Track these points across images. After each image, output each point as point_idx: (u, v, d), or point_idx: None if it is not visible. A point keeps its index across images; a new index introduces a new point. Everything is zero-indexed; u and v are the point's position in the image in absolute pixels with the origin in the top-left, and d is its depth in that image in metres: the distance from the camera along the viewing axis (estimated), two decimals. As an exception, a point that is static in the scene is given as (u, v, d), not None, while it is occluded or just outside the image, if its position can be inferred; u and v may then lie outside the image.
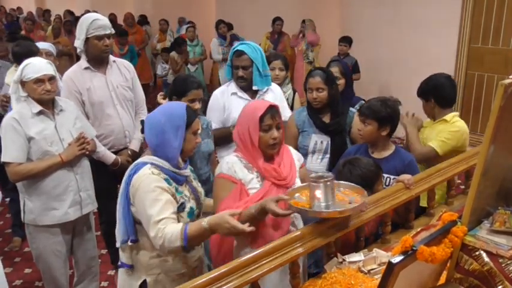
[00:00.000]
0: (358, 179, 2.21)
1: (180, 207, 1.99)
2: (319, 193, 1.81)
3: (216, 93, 3.12)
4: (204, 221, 1.81)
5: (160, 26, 9.37)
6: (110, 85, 3.15)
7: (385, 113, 2.53)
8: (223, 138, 2.97)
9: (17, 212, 4.16)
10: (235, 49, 2.99)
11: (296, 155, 2.22)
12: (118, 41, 7.45)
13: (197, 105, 2.59)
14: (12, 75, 3.47)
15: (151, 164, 1.98)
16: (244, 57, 2.96)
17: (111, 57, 3.23)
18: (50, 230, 2.76)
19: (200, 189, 2.19)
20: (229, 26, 8.27)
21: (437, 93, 2.86)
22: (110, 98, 3.15)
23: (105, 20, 3.08)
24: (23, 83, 2.60)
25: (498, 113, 1.32)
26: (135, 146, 3.32)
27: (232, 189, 1.99)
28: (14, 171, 2.60)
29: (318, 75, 2.83)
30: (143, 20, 10.42)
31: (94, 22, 3.01)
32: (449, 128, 2.80)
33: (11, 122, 2.58)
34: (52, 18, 12.26)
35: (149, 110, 3.54)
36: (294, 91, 3.72)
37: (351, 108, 2.95)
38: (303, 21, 7.25)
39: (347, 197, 1.92)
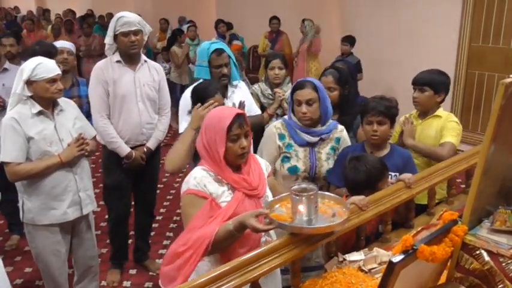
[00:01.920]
0: (362, 176, 2.21)
1: (285, 159, 2.53)
2: (301, 207, 1.71)
3: (187, 94, 3.00)
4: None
5: (161, 26, 9.37)
6: (137, 81, 3.22)
7: (395, 111, 2.56)
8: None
9: (11, 211, 4.16)
10: (215, 49, 2.94)
11: (264, 164, 2.12)
12: None
13: None
14: None
15: (283, 120, 2.59)
16: (224, 55, 2.96)
17: (144, 57, 3.31)
18: (49, 230, 2.76)
19: (324, 163, 2.52)
20: (229, 26, 8.26)
21: (448, 90, 2.91)
22: (133, 93, 3.21)
23: (131, 17, 3.15)
24: (29, 82, 2.58)
25: (499, 112, 1.32)
26: (152, 144, 3.36)
27: (203, 204, 1.85)
28: (12, 171, 2.60)
29: (331, 74, 2.85)
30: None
31: (120, 19, 3.11)
32: (453, 125, 2.84)
33: (10, 122, 2.58)
34: (52, 18, 12.27)
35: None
36: None
37: None
38: (303, 21, 7.24)
39: (330, 209, 1.82)
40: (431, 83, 2.85)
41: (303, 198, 1.70)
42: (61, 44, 3.83)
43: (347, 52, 6.45)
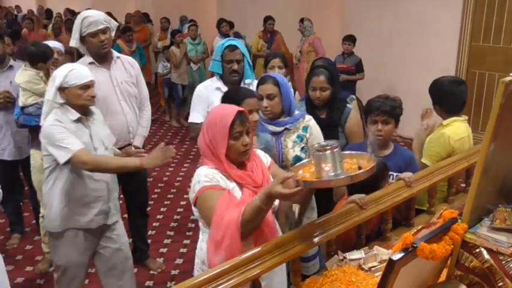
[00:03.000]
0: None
1: None
2: (326, 162, 1.67)
3: (200, 87, 3.13)
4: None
5: (162, 25, 9.36)
6: (114, 80, 3.15)
7: (400, 110, 2.55)
8: None
9: (15, 210, 4.18)
10: (228, 44, 3.01)
11: (264, 157, 2.11)
12: (123, 39, 7.58)
13: (256, 117, 2.37)
14: (23, 75, 3.40)
15: None
16: (237, 52, 2.99)
17: (115, 53, 3.23)
18: (73, 240, 2.65)
19: (290, 150, 2.52)
20: (231, 24, 8.27)
21: (442, 100, 2.80)
22: (114, 93, 3.14)
23: (96, 16, 3.02)
24: (61, 89, 2.48)
25: (499, 111, 1.32)
26: (138, 142, 3.32)
27: (222, 194, 1.83)
28: (86, 158, 2.42)
29: (323, 74, 2.83)
30: (146, 19, 10.44)
31: (85, 20, 2.99)
32: (432, 138, 2.77)
33: (56, 123, 2.47)
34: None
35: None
36: (294, 90, 3.72)
37: (347, 105, 2.95)
38: (302, 20, 7.22)
39: (354, 165, 1.79)
40: (430, 94, 2.87)
41: (327, 153, 1.67)
42: (51, 44, 3.75)
43: (349, 51, 6.44)
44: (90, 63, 3.10)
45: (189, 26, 8.21)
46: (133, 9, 10.30)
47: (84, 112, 2.59)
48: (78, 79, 2.49)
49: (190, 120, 3.10)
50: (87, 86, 2.52)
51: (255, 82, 3.15)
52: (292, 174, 1.71)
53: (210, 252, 1.80)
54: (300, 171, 1.84)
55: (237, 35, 8.01)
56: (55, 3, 15.93)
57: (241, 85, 3.07)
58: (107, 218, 2.73)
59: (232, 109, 1.91)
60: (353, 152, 1.91)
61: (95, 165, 2.48)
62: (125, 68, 3.24)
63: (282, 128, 2.57)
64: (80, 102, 2.52)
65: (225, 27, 8.02)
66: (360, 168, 1.74)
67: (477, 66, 6.05)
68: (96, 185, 2.63)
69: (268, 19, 7.67)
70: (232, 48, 2.99)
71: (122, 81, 3.18)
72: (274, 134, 2.58)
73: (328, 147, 1.67)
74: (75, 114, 2.52)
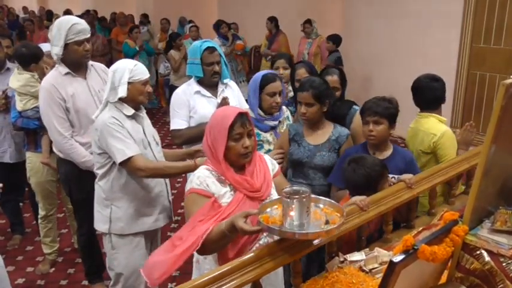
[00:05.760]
0: (361, 179, 2.22)
1: (258, 148, 2.44)
2: (292, 210, 1.61)
3: (178, 91, 3.08)
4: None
5: (162, 26, 9.38)
6: (92, 90, 3.01)
7: (394, 111, 2.54)
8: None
9: (14, 211, 4.18)
10: (207, 46, 2.98)
11: (270, 163, 2.09)
12: (131, 38, 7.86)
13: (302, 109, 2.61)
14: (17, 78, 3.38)
15: None
16: (216, 53, 3.00)
17: (90, 62, 3.08)
18: (134, 242, 2.61)
19: None
20: (229, 26, 8.29)
21: (417, 94, 2.93)
22: (93, 103, 2.97)
23: (84, 24, 2.90)
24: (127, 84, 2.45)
25: (500, 113, 1.32)
26: None
27: (204, 203, 1.84)
28: (143, 164, 2.41)
29: (336, 74, 2.94)
30: (145, 20, 10.45)
31: (73, 27, 2.83)
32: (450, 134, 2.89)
33: (112, 120, 2.42)
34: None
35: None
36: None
37: (353, 106, 2.96)
38: (309, 22, 7.20)
39: (324, 216, 1.71)
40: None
41: (294, 201, 1.61)
42: (44, 47, 3.62)
43: (331, 49, 6.69)
44: (66, 73, 2.93)
45: (190, 27, 8.22)
46: (134, 10, 10.34)
47: (136, 108, 2.55)
48: (143, 74, 2.48)
49: (172, 127, 3.02)
50: (147, 82, 2.52)
51: (232, 82, 3.23)
52: (256, 211, 1.68)
53: (161, 249, 1.81)
54: (275, 207, 1.76)
55: (236, 37, 8.03)
56: (56, 4, 15.98)
57: (220, 85, 3.10)
58: (169, 215, 2.74)
59: (233, 110, 1.92)
60: (333, 202, 1.80)
61: (152, 172, 2.46)
62: (100, 76, 3.10)
63: (277, 122, 2.90)
64: (141, 98, 2.50)
65: (224, 28, 8.03)
66: (327, 222, 1.68)
67: (478, 67, 6.04)
68: (155, 181, 2.61)
69: (267, 20, 7.72)
70: (212, 50, 2.98)
71: (98, 89, 3.02)
72: (272, 128, 2.89)
73: (297, 196, 1.60)
74: (130, 110, 2.49)
